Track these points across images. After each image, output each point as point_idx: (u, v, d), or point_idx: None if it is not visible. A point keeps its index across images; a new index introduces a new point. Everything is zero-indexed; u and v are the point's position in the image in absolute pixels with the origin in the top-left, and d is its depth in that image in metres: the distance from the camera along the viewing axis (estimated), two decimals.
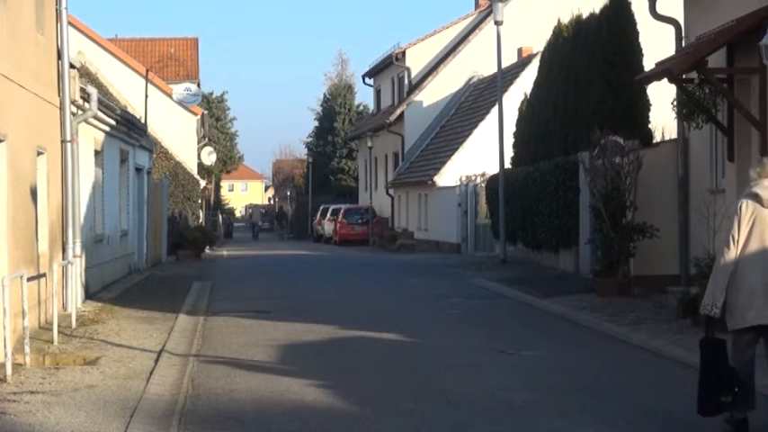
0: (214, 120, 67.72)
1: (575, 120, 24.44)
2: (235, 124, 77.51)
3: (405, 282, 24.79)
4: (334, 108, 71.30)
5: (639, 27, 23.19)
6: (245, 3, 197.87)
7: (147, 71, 38.56)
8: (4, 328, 11.10)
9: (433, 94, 48.25)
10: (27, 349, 11.81)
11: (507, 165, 30.79)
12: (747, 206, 8.55)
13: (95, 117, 19.59)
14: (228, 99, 76.98)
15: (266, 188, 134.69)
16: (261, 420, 9.41)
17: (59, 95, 17.03)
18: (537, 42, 35.61)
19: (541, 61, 28.89)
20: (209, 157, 48.53)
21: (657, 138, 23.43)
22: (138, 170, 28.39)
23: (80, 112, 18.27)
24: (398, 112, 48.98)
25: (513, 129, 31.37)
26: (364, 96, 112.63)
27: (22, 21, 14.63)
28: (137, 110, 35.40)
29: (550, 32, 28.09)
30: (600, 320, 16.20)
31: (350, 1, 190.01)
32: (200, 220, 47.06)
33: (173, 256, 34.72)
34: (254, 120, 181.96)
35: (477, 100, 44.59)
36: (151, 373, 11.54)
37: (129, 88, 40.79)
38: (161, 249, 33.50)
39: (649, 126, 23.36)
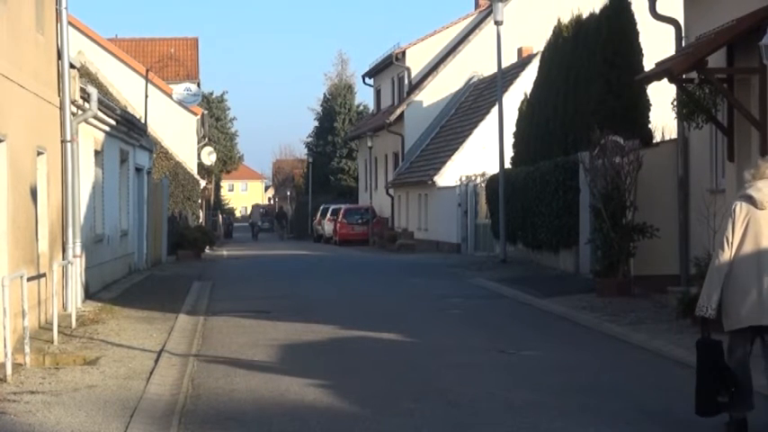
0: (214, 120, 67.72)
1: (575, 120, 24.44)
2: (235, 124, 77.63)
3: (405, 282, 24.79)
4: (334, 108, 71.30)
5: (639, 27, 23.18)
6: (245, 3, 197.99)
7: (147, 71, 38.56)
8: (4, 328, 11.10)
9: (433, 94, 48.25)
10: (27, 349, 11.81)
11: (507, 165, 30.79)
12: (741, 208, 8.60)
13: (95, 117, 19.59)
14: (228, 99, 77.11)
15: (266, 188, 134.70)
16: (261, 420, 9.41)
17: (59, 95, 17.03)
18: (537, 42, 35.61)
19: (541, 61, 28.89)
20: (209, 157, 48.53)
21: (657, 138, 23.42)
22: (138, 170, 28.39)
23: (80, 112, 18.27)
24: (398, 112, 48.98)
25: (513, 129, 31.37)
26: (364, 96, 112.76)
27: (22, 21, 14.63)
28: (137, 110, 35.40)
29: (550, 32, 28.08)
30: (600, 320, 16.21)
31: (350, 1, 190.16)
32: (201, 220, 47.07)
33: (173, 256, 34.72)
34: (254, 120, 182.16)
35: (477, 100, 44.59)
36: (151, 373, 11.54)
37: (129, 88, 40.79)
38: (161, 249, 33.50)
39: (649, 126, 23.36)
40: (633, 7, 23.22)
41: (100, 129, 21.32)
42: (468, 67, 47.42)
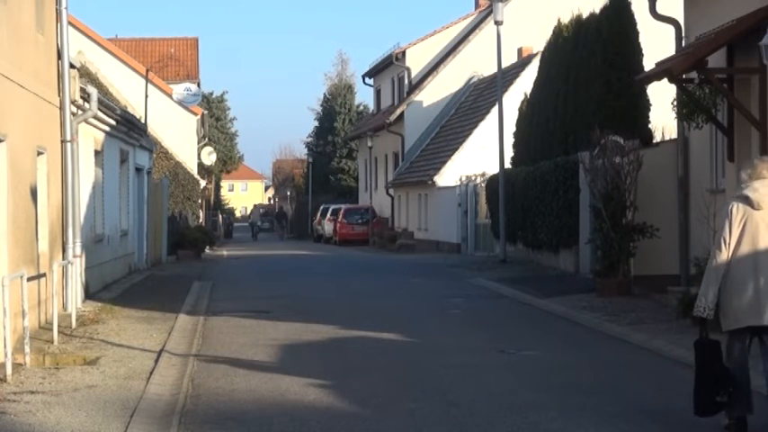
0: (214, 120, 67.71)
1: (575, 120, 24.44)
2: (235, 124, 77.55)
3: (405, 282, 24.79)
4: (334, 108, 71.30)
5: (639, 27, 23.19)
6: (245, 3, 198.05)
7: (147, 71, 38.55)
8: (5, 327, 11.10)
9: (433, 94, 48.24)
10: (27, 349, 11.81)
11: (507, 165, 30.80)
12: (738, 209, 8.62)
13: (95, 117, 19.58)
14: (228, 99, 76.98)
15: (266, 188, 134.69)
16: (261, 420, 9.41)
17: (59, 95, 17.03)
18: (537, 42, 35.62)
19: (541, 61, 28.90)
20: (209, 157, 48.52)
21: (657, 138, 23.44)
22: (138, 170, 28.39)
23: (80, 112, 18.26)
24: (398, 112, 48.97)
25: (513, 129, 31.38)
26: (364, 96, 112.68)
27: (22, 21, 14.63)
28: (137, 110, 35.39)
29: (550, 32, 28.08)
30: (600, 320, 16.21)
31: (350, 1, 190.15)
32: (201, 220, 47.07)
33: (173, 255, 34.72)
34: (254, 120, 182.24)
35: (477, 100, 44.60)
36: (151, 373, 11.54)
37: (129, 88, 40.78)
38: (161, 249, 33.50)
39: (649, 126, 23.37)
40: (633, 7, 23.24)
41: (100, 129, 21.32)
42: (468, 67, 47.42)
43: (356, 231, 50.62)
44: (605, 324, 15.81)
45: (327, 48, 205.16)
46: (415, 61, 50.00)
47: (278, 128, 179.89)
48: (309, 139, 75.90)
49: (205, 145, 48.65)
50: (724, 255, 8.57)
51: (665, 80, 16.40)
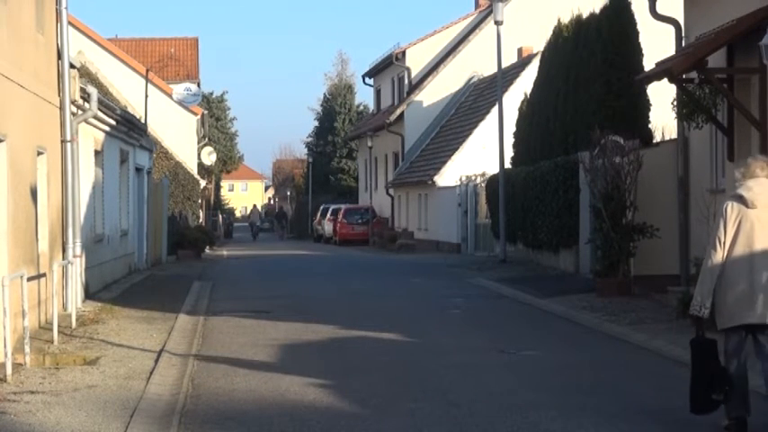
0: (214, 120, 67.70)
1: (575, 120, 24.44)
2: (235, 124, 77.51)
3: (405, 282, 24.79)
4: (334, 108, 71.30)
5: (639, 27, 23.19)
6: (245, 3, 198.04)
7: (147, 71, 38.55)
8: (5, 327, 11.10)
9: (433, 94, 48.24)
10: (27, 349, 11.81)
11: (507, 165, 30.80)
12: (733, 208, 8.65)
13: (95, 117, 19.59)
14: (228, 99, 76.97)
15: (266, 188, 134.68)
16: (261, 420, 9.41)
17: (59, 95, 17.03)
18: (537, 42, 35.62)
19: (541, 61, 28.90)
20: (210, 157, 48.52)
21: (657, 138, 23.44)
22: (138, 170, 28.39)
23: (80, 112, 18.26)
24: (398, 112, 48.97)
25: (513, 129, 31.38)
26: (364, 96, 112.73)
27: (22, 21, 14.63)
28: (137, 110, 35.39)
29: (550, 32, 28.08)
30: (600, 320, 16.21)
31: (350, 1, 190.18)
32: (201, 220, 47.06)
33: (173, 255, 34.72)
34: (254, 120, 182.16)
35: (477, 100, 44.60)
36: (151, 373, 11.54)
37: (129, 88, 40.77)
38: (161, 249, 33.50)
39: (649, 126, 23.37)
40: (633, 7, 23.24)
41: (100, 129, 21.32)
42: (468, 67, 47.42)
43: (356, 231, 50.61)
44: (605, 324, 15.81)
45: (327, 48, 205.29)
46: (415, 61, 50.00)
47: (278, 128, 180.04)
48: (309, 139, 75.89)
49: (205, 145, 48.65)
50: (719, 254, 8.62)
51: (665, 80, 16.40)
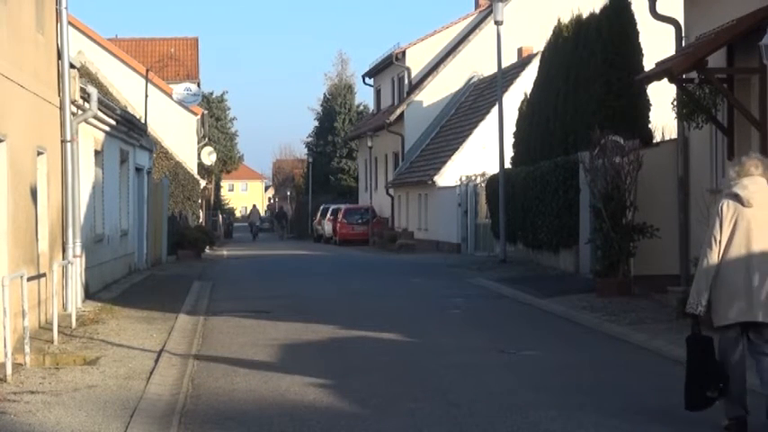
0: (214, 120, 67.68)
1: (575, 120, 24.45)
2: (235, 124, 77.48)
3: (405, 282, 24.79)
4: (334, 108, 71.29)
5: (639, 27, 23.20)
6: (245, 3, 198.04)
7: (147, 71, 38.55)
8: (5, 327, 11.10)
9: (433, 94, 48.25)
10: (27, 349, 11.81)
11: (507, 165, 30.80)
12: (728, 206, 8.69)
13: (95, 117, 19.59)
14: (228, 99, 76.93)
15: (266, 188, 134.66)
16: (261, 420, 9.41)
17: (59, 95, 17.03)
18: (537, 42, 35.62)
19: (541, 61, 28.90)
20: (210, 157, 48.52)
21: (657, 138, 23.44)
22: (138, 170, 28.39)
23: (80, 112, 18.27)
24: (398, 112, 48.98)
25: (513, 129, 31.38)
26: (364, 96, 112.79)
27: (22, 21, 14.63)
28: (137, 110, 35.39)
29: (550, 32, 28.09)
30: (600, 320, 16.21)
31: (350, 1, 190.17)
32: (201, 220, 47.06)
33: (173, 255, 34.72)
34: (254, 120, 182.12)
35: (477, 100, 44.60)
36: (151, 373, 11.54)
37: (129, 88, 40.77)
38: (161, 249, 33.51)
39: (649, 126, 23.37)
40: (633, 7, 23.24)
41: (100, 129, 21.32)
42: (468, 67, 47.43)
43: (356, 231, 50.61)
44: (605, 324, 15.82)
45: (327, 48, 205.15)
46: (415, 61, 50.01)
47: (278, 128, 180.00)
48: (309, 139, 75.89)
49: (205, 145, 48.65)
50: (715, 252, 8.66)
51: (665, 80, 16.40)
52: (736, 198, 8.67)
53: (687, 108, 16.49)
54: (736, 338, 8.70)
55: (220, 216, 67.71)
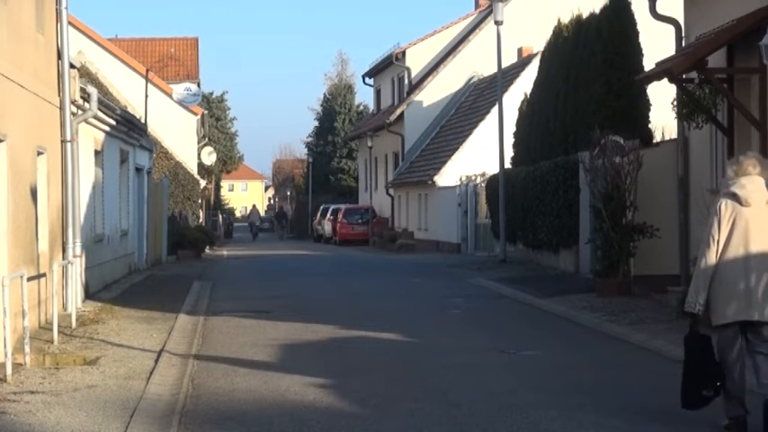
0: (214, 120, 67.68)
1: (575, 120, 24.45)
2: (235, 124, 77.48)
3: (405, 282, 24.79)
4: (334, 108, 71.29)
5: (639, 27, 23.20)
6: (245, 3, 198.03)
7: (147, 71, 38.55)
8: (5, 327, 11.10)
9: (433, 94, 48.25)
10: (27, 349, 11.81)
11: (507, 165, 30.80)
12: (727, 206, 8.71)
13: (95, 117, 19.59)
14: (228, 99, 76.93)
15: (266, 188, 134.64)
16: (261, 420, 9.41)
17: (59, 95, 17.03)
18: (537, 42, 35.62)
19: (541, 61, 28.90)
20: (210, 157, 48.52)
21: (657, 138, 23.44)
22: (138, 170, 28.39)
23: (80, 112, 18.27)
24: (398, 112, 48.98)
25: (513, 129, 31.38)
26: (364, 96, 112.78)
27: (22, 21, 14.63)
28: (137, 110, 35.39)
29: (550, 32, 28.09)
30: (600, 320, 16.21)
31: (350, 1, 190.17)
32: (201, 220, 47.06)
33: (173, 255, 34.72)
34: (254, 120, 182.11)
35: (477, 100, 44.60)
36: (151, 373, 11.54)
37: (129, 88, 40.77)
38: (161, 249, 33.50)
39: (649, 126, 23.37)
40: (633, 7, 23.25)
41: (100, 129, 21.32)
42: (468, 67, 47.43)
43: (356, 231, 50.60)
44: (605, 324, 15.82)
45: (327, 48, 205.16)
46: (415, 61, 50.01)
47: (278, 128, 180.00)
48: (309, 139, 75.89)
49: (205, 145, 48.64)
50: (713, 252, 8.68)
51: (665, 80, 16.40)
52: (735, 197, 8.68)
53: (687, 108, 16.49)
54: (734, 337, 8.72)
55: (220, 216, 67.71)
